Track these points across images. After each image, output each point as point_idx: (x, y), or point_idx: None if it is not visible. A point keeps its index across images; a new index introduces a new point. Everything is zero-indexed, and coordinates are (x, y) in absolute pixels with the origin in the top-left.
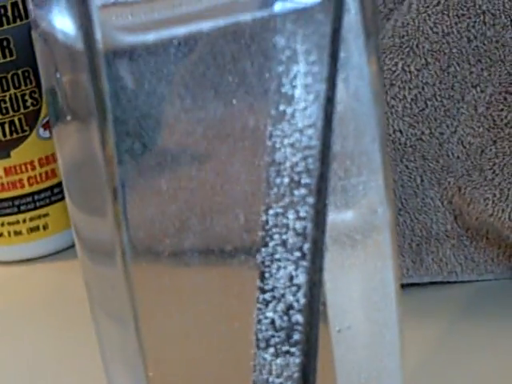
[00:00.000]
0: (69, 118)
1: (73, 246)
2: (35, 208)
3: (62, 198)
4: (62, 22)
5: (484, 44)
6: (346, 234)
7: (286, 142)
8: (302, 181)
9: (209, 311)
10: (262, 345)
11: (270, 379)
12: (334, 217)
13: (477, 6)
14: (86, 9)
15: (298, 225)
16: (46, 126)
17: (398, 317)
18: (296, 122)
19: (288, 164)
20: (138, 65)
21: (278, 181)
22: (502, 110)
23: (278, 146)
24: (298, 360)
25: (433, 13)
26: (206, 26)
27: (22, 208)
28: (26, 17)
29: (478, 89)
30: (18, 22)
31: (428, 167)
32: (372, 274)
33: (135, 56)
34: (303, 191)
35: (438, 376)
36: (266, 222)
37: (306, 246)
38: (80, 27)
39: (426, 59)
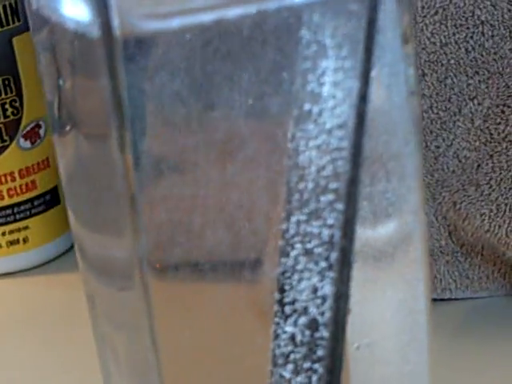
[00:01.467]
0: (68, 128)
1: (53, 259)
2: (15, 220)
3: (43, 211)
4: (73, 10)
5: (482, 55)
6: (371, 244)
7: (311, 144)
8: (330, 186)
9: (225, 326)
10: (280, 361)
11: None
12: (359, 225)
13: (475, 17)
14: None
15: (325, 233)
16: (27, 136)
17: (428, 333)
18: (323, 122)
19: (313, 168)
20: (155, 59)
21: (301, 186)
22: (499, 123)
23: (301, 148)
24: (320, 377)
25: (430, 23)
26: (231, 13)
27: (1, 221)
28: (7, 23)
29: (476, 101)
30: None
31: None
32: (400, 288)
33: (151, 48)
34: (331, 197)
35: None
36: (287, 230)
37: (333, 256)
38: (96, 13)
39: (422, 70)
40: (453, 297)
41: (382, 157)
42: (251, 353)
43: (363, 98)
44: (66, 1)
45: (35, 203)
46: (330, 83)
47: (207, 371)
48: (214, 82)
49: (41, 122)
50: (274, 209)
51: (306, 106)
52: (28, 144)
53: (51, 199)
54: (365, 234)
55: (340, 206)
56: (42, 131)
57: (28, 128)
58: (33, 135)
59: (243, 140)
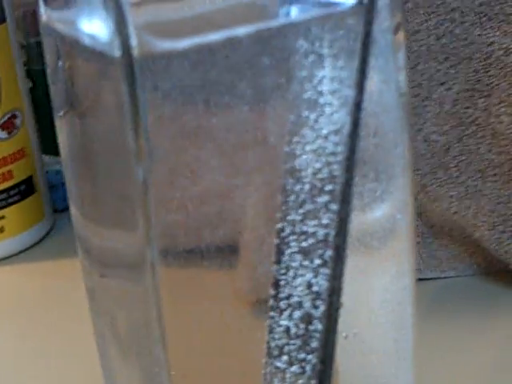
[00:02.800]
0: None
1: (29, 248)
2: None
3: (19, 200)
4: (90, 27)
5: (452, 42)
6: (360, 239)
7: (307, 148)
8: (326, 187)
9: (227, 315)
10: (275, 353)
11: None
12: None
13: (446, 4)
14: (121, 13)
15: (320, 232)
16: (4, 127)
17: (413, 322)
18: (320, 128)
19: (310, 171)
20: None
21: (297, 188)
22: (468, 107)
23: (298, 152)
24: (314, 367)
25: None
26: (240, 31)
27: None
28: None
29: (445, 86)
30: None
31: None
32: (388, 281)
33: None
34: (326, 198)
35: None
36: (282, 229)
37: (328, 254)
38: (116, 33)
39: None
40: (422, 277)
41: (372, 158)
42: (249, 340)
43: (358, 106)
44: (83, 18)
45: (11, 193)
46: (327, 92)
47: (211, 359)
48: (220, 91)
49: (17, 113)
50: (272, 206)
51: (304, 113)
52: (5, 134)
53: (26, 189)
54: (355, 229)
55: (335, 206)
56: (18, 121)
57: (5, 118)
58: (9, 126)
59: (247, 143)
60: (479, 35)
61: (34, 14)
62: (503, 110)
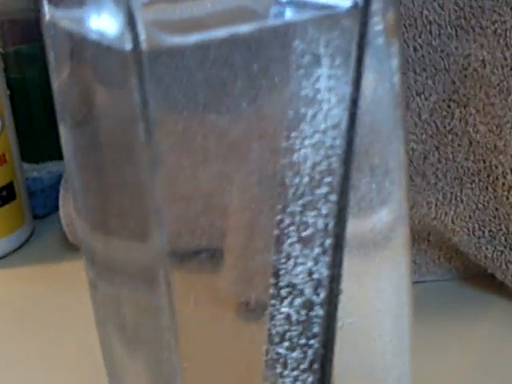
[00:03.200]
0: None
1: (9, 254)
2: None
3: (0, 206)
4: (99, 22)
5: (429, 53)
6: (357, 232)
7: (306, 142)
8: (325, 179)
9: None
10: (277, 339)
11: (285, 373)
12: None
13: (423, 17)
14: (131, 8)
15: (320, 222)
16: None
17: (409, 311)
18: (318, 123)
19: (308, 164)
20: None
21: (296, 180)
22: (445, 117)
23: (297, 147)
24: (316, 352)
25: None
26: (243, 29)
27: None
28: None
29: (423, 96)
30: None
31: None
32: (384, 272)
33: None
34: (325, 189)
35: None
36: (282, 220)
37: (328, 242)
38: (127, 28)
39: None
40: None
41: (368, 153)
42: (254, 335)
43: (355, 102)
44: (92, 14)
45: None
46: (324, 89)
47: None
48: (222, 86)
49: None
50: (275, 199)
51: (302, 109)
52: None
53: (7, 195)
54: (351, 223)
55: (334, 197)
56: None
57: None
58: None
59: (249, 140)
60: (456, 48)
61: (12, 24)
62: (479, 119)
